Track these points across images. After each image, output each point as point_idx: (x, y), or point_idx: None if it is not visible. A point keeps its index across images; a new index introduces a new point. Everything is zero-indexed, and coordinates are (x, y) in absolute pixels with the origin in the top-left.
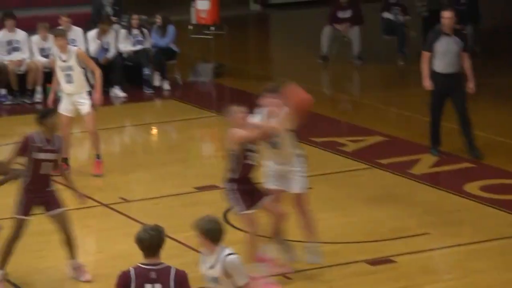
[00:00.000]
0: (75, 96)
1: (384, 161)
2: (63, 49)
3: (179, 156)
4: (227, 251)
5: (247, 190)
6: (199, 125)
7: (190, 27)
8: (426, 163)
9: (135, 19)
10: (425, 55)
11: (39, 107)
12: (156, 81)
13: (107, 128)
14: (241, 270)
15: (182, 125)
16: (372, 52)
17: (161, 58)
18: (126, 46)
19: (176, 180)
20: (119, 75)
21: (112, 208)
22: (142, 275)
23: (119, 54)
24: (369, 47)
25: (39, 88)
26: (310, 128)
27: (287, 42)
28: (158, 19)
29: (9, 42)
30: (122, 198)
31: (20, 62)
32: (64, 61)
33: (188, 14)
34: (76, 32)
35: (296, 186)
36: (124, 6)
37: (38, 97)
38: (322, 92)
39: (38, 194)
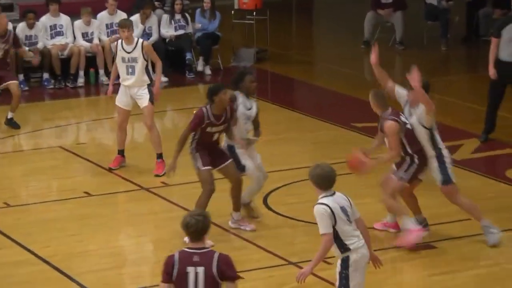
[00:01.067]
0: (134, 89)
1: None
2: (129, 40)
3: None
4: (321, 200)
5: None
6: None
7: (232, 12)
8: (468, 148)
9: (178, 4)
10: (493, 41)
11: (81, 91)
12: (200, 66)
13: None
14: (321, 221)
15: None
16: (414, 37)
17: (206, 43)
18: (169, 31)
19: None
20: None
21: (152, 192)
22: (185, 259)
23: (162, 39)
24: (411, 33)
25: (81, 73)
26: (351, 113)
27: (329, 27)
28: (206, 3)
29: (53, 27)
30: (163, 182)
31: (63, 47)
32: (128, 52)
33: None
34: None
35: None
36: None
37: (81, 81)
38: (364, 77)
39: (208, 153)
